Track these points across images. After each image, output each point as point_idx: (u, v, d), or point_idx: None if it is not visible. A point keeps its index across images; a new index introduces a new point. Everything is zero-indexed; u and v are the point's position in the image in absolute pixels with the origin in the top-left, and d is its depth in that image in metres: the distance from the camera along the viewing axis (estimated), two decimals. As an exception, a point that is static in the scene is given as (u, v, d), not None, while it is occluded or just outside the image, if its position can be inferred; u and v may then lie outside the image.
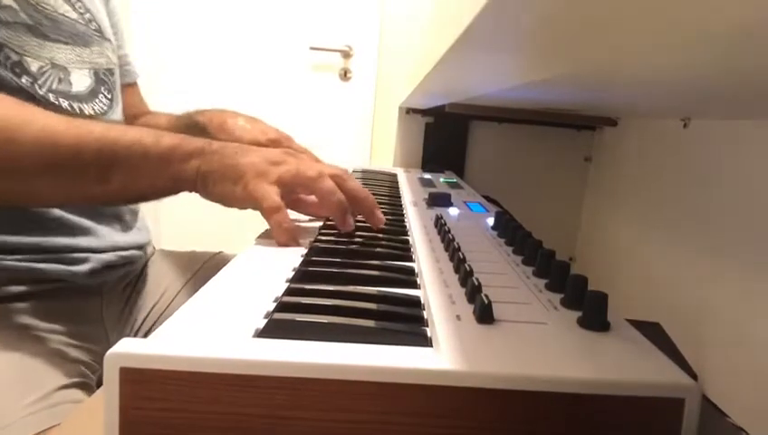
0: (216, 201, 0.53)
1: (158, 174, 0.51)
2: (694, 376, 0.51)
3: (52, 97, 0.61)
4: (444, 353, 0.28)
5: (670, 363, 0.29)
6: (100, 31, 0.71)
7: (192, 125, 0.82)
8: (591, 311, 0.33)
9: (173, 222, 1.77)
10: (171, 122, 0.84)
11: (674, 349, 0.65)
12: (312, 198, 0.58)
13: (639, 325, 0.34)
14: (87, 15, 0.69)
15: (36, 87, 0.59)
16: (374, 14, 1.63)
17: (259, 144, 0.78)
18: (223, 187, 0.51)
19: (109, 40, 0.74)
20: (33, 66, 0.59)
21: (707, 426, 0.29)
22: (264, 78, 1.70)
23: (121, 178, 0.50)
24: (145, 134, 0.52)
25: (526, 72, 0.45)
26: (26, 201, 0.54)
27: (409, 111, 1.28)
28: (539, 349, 0.30)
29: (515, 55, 0.38)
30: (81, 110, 0.65)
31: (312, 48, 1.67)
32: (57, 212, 0.61)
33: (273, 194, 0.50)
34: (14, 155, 0.47)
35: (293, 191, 0.52)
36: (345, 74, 1.70)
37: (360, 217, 0.57)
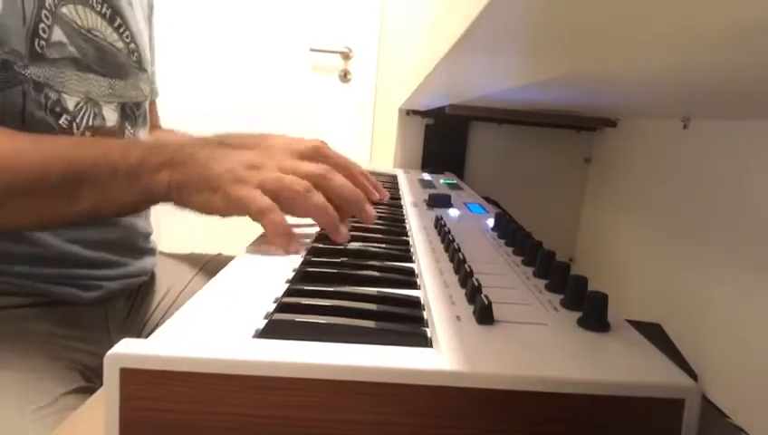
0: (195, 211, 0.51)
1: (129, 189, 0.49)
2: (694, 376, 0.51)
3: (88, 136, 0.61)
4: (444, 354, 0.28)
5: (670, 364, 0.29)
6: (139, 62, 0.71)
7: None
8: (591, 311, 0.33)
9: (173, 224, 1.76)
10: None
11: (674, 349, 0.65)
12: None
13: (639, 325, 0.34)
14: (132, 45, 0.69)
15: (74, 126, 0.59)
16: (374, 16, 1.63)
17: (298, 150, 0.73)
18: (200, 197, 0.49)
19: (146, 71, 0.74)
20: (71, 103, 0.59)
21: (707, 426, 0.29)
22: (263, 79, 1.70)
23: (91, 197, 0.49)
24: (113, 148, 0.50)
25: (526, 73, 0.45)
26: None
27: (409, 113, 1.28)
28: (539, 350, 0.30)
29: (515, 56, 0.38)
30: None
31: (312, 50, 1.67)
32: (74, 248, 0.61)
33: (259, 196, 0.47)
34: None
35: (277, 199, 0.48)
36: (345, 76, 1.70)
37: (358, 220, 0.57)
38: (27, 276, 0.58)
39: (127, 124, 0.69)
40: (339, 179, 0.51)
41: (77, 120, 0.59)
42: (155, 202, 0.51)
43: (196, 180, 0.49)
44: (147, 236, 0.76)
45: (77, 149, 0.49)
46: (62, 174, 0.48)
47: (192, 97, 1.71)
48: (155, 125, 0.90)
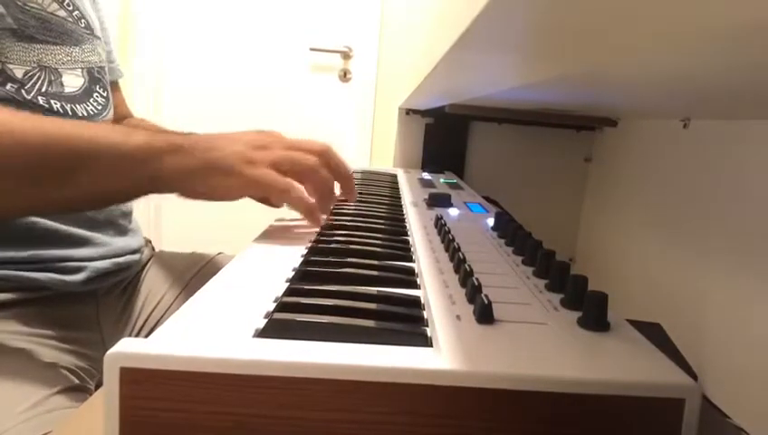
0: (204, 198, 0.51)
1: (131, 174, 0.48)
2: (694, 376, 0.51)
3: (42, 100, 0.59)
4: (444, 353, 0.28)
5: (670, 363, 0.29)
6: (89, 28, 0.70)
7: None
8: (591, 311, 0.33)
9: (173, 223, 1.77)
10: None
11: (674, 349, 0.65)
12: None
13: (639, 325, 0.34)
14: (76, 13, 0.67)
15: (23, 92, 0.57)
16: (374, 15, 1.63)
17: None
18: (213, 181, 0.49)
19: (99, 37, 0.72)
20: (18, 72, 0.57)
21: (707, 426, 0.29)
22: (264, 79, 1.70)
23: (91, 179, 0.47)
24: (114, 130, 0.49)
25: (526, 73, 0.45)
26: None
27: (409, 112, 1.28)
28: (539, 349, 0.30)
29: (515, 56, 0.38)
30: (73, 111, 0.63)
31: (312, 49, 1.67)
32: (50, 224, 0.59)
33: (277, 176, 0.49)
34: None
35: (288, 174, 0.51)
36: (345, 75, 1.70)
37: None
38: (5, 263, 0.56)
39: (97, 87, 0.68)
40: (337, 157, 0.56)
41: (26, 87, 0.58)
42: (158, 190, 0.50)
43: (207, 165, 0.49)
44: (126, 214, 0.74)
45: (78, 129, 0.47)
46: (63, 154, 0.45)
47: (192, 96, 1.71)
48: (125, 114, 0.87)
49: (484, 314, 0.33)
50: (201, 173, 0.49)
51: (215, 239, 0.95)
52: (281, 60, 1.70)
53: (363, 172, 1.06)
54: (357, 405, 0.26)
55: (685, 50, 0.25)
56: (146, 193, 0.50)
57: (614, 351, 0.31)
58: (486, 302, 0.33)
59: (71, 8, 0.67)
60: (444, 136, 1.26)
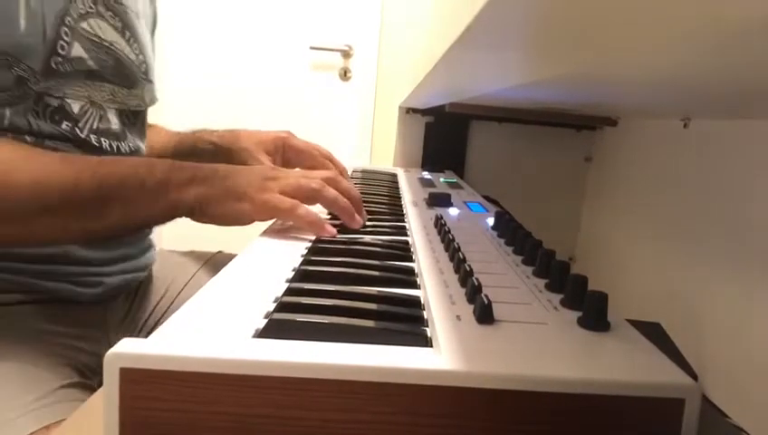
0: (219, 223, 0.55)
1: (155, 203, 0.53)
2: (694, 376, 0.51)
3: (93, 139, 0.61)
4: (444, 353, 0.28)
5: (670, 363, 0.29)
6: (146, 73, 0.72)
7: (199, 147, 0.84)
8: (591, 311, 0.33)
9: (173, 223, 1.77)
10: (172, 140, 0.86)
11: (674, 349, 0.65)
12: None
13: (639, 325, 0.34)
14: (140, 57, 0.70)
15: (77, 130, 0.59)
16: (374, 14, 1.63)
17: (263, 141, 0.83)
18: (228, 207, 0.53)
19: (152, 82, 0.74)
20: (75, 107, 0.59)
21: (707, 426, 0.29)
22: (264, 78, 1.70)
23: (120, 211, 0.51)
24: (140, 164, 0.54)
25: (526, 72, 0.45)
26: (25, 242, 0.54)
27: (409, 111, 1.28)
28: (539, 349, 0.30)
29: (515, 55, 0.38)
30: (119, 148, 0.65)
31: (313, 48, 1.67)
32: (70, 248, 0.61)
33: (283, 198, 0.53)
34: (12, 199, 0.47)
35: (294, 199, 0.55)
36: (345, 74, 1.70)
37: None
38: (21, 272, 0.58)
39: (126, 130, 0.69)
40: (345, 182, 0.59)
41: (80, 125, 0.59)
42: (178, 216, 0.54)
43: (223, 192, 0.54)
44: (145, 234, 0.75)
45: (106, 167, 0.52)
46: (93, 191, 0.50)
47: (192, 95, 1.71)
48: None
49: (484, 314, 0.32)
50: (217, 199, 0.53)
51: (214, 239, 0.95)
52: (281, 58, 1.70)
53: (363, 171, 1.06)
54: (357, 405, 0.26)
55: (685, 50, 0.25)
56: (169, 219, 0.55)
57: (614, 351, 0.31)
58: (486, 302, 0.33)
59: (137, 52, 0.69)
60: (444, 135, 1.26)
